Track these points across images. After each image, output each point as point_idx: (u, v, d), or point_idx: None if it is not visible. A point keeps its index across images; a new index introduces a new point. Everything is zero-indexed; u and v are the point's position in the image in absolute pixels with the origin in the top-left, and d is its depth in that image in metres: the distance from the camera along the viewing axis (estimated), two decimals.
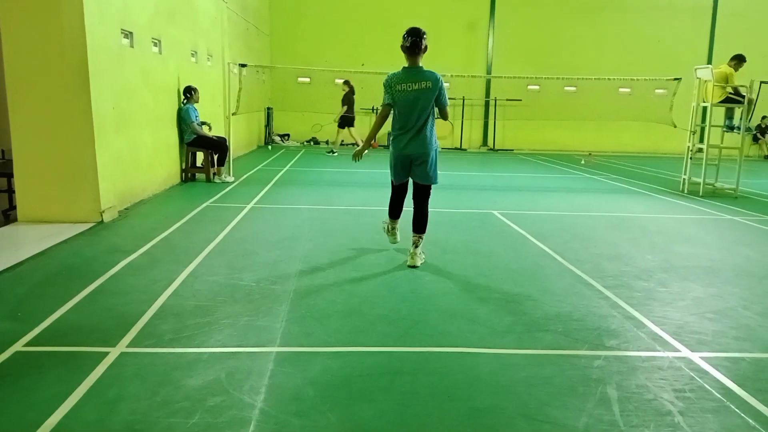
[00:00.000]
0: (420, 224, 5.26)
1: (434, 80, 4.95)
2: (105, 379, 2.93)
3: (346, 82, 15.46)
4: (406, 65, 5.02)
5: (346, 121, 15.51)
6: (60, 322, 3.64)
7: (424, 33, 4.93)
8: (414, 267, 5.10)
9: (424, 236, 5.28)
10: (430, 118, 5.10)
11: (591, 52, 19.35)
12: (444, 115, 5.18)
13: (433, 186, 5.33)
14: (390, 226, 5.62)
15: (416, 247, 5.21)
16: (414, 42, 4.88)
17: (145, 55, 7.99)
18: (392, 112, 5.12)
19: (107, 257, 5.08)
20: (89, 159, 6.27)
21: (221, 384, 2.91)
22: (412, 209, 5.32)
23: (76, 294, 4.12)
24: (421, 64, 5.01)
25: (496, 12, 19.31)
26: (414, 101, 4.97)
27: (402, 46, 4.95)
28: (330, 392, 2.87)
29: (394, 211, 5.53)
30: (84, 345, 3.33)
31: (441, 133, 5.11)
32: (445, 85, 5.10)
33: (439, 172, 5.33)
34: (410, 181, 5.37)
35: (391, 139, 5.30)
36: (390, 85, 5.01)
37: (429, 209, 5.34)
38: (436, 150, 5.22)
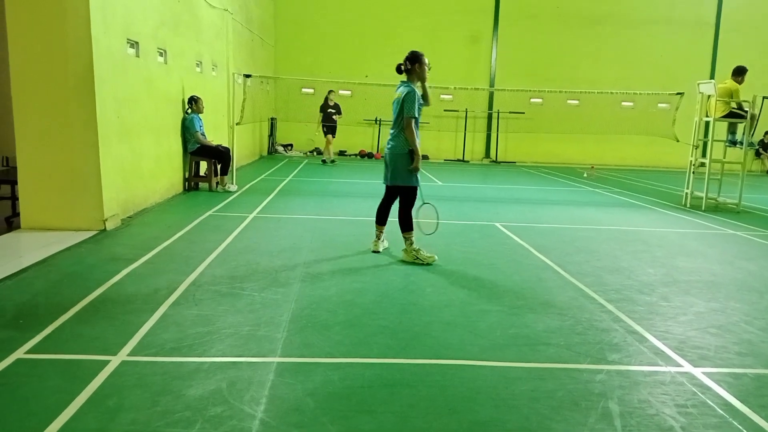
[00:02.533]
0: (400, 223, 5.82)
1: (402, 92, 5.66)
2: (105, 387, 2.93)
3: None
4: None
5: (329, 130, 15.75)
6: (61, 330, 3.64)
7: (409, 57, 5.71)
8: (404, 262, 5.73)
9: (410, 236, 5.75)
10: (397, 122, 5.73)
11: (593, 65, 19.43)
12: (402, 122, 5.66)
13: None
14: (375, 233, 6.08)
15: (405, 241, 5.81)
16: (398, 65, 5.76)
17: (150, 65, 8.03)
18: None
19: (109, 266, 5.08)
20: (93, 167, 6.30)
21: (222, 394, 2.90)
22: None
23: (77, 302, 4.12)
24: (406, 80, 5.76)
25: (500, 25, 19.41)
26: (394, 108, 5.77)
27: None
28: (330, 404, 2.87)
29: (378, 215, 6.06)
30: (85, 353, 3.33)
31: None
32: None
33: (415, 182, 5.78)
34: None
35: None
36: None
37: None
38: (398, 154, 5.71)
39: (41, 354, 3.31)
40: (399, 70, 5.77)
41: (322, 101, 15.46)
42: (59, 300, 4.16)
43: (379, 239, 6.05)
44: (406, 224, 5.75)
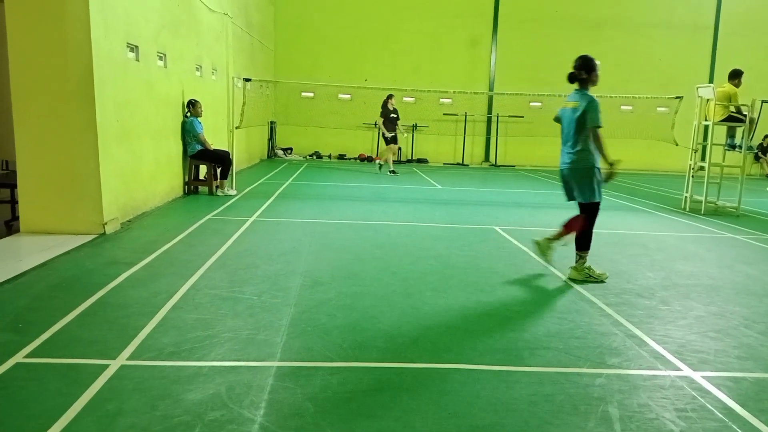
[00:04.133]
0: (576, 240, 5.50)
1: (581, 102, 5.24)
2: (104, 392, 2.92)
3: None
4: None
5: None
6: (60, 334, 3.64)
7: (584, 66, 5.30)
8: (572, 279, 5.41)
9: (584, 255, 5.46)
10: (576, 136, 5.32)
11: None
12: (591, 134, 5.27)
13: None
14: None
15: (578, 259, 5.48)
16: (570, 74, 5.39)
17: (150, 69, 8.04)
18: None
19: (109, 269, 5.08)
20: (92, 171, 6.30)
21: (221, 398, 2.90)
22: None
23: (76, 306, 4.12)
24: (580, 88, 5.36)
25: (499, 29, 19.44)
26: (564, 118, 5.48)
27: None
28: (330, 408, 2.86)
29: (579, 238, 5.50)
30: (84, 357, 3.33)
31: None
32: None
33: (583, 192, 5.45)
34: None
35: None
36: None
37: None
38: (582, 169, 5.35)
39: (40, 358, 3.30)
40: (572, 80, 5.36)
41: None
42: (58, 304, 4.16)
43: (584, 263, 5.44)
44: (583, 242, 5.44)
